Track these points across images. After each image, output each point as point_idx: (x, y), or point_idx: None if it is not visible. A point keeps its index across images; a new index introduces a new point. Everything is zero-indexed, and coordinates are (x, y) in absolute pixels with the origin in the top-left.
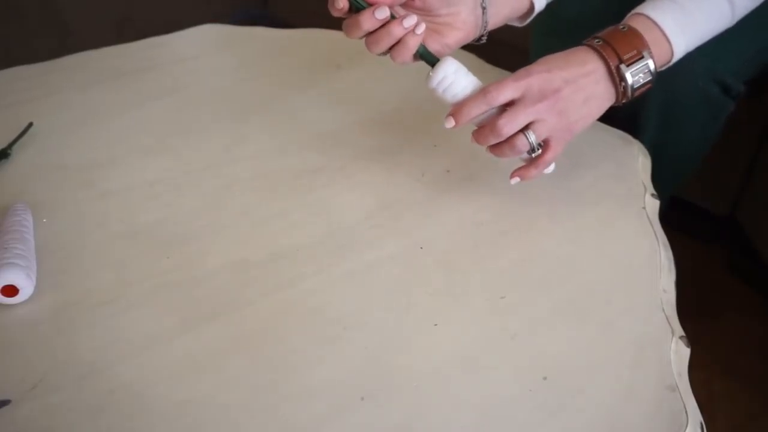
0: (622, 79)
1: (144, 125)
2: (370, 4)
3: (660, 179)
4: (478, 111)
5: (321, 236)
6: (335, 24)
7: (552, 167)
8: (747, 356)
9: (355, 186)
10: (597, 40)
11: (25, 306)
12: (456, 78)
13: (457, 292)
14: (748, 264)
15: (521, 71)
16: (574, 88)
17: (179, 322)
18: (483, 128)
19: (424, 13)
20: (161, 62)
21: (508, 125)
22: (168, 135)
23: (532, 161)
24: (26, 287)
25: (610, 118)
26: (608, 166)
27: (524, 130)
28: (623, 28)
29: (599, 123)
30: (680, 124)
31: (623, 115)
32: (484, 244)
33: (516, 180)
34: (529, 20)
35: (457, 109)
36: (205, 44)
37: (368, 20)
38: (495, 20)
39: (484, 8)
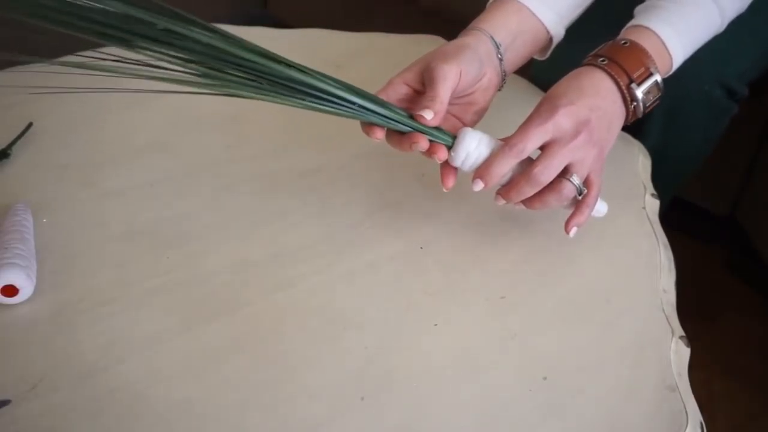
0: (633, 99)
1: (144, 125)
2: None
3: (661, 180)
4: (507, 167)
5: (321, 236)
6: (335, 24)
7: (605, 208)
8: (747, 356)
9: (355, 186)
10: (601, 59)
11: (25, 306)
12: (480, 151)
13: (457, 292)
14: (748, 264)
15: (543, 111)
16: (600, 114)
17: (179, 322)
18: (514, 182)
19: (459, 97)
20: None
21: (546, 172)
22: (168, 135)
23: (579, 205)
24: (26, 287)
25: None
26: (608, 166)
27: (564, 174)
28: (624, 42)
29: None
30: (683, 127)
31: None
32: (484, 244)
33: (574, 230)
34: (549, 52)
35: (484, 169)
36: None
37: (407, 148)
38: (516, 62)
39: (500, 59)
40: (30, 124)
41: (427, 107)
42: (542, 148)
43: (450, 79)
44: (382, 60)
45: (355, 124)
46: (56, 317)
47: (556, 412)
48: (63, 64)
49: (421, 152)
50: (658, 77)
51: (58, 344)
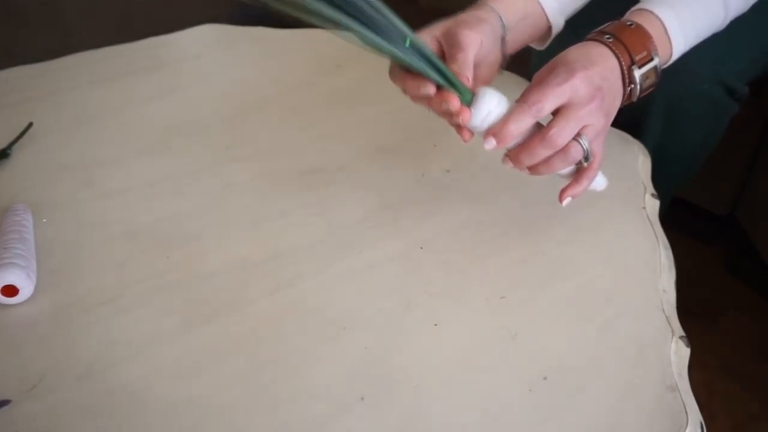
0: (632, 81)
1: (144, 125)
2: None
3: (662, 180)
4: (524, 126)
5: (321, 236)
6: None
7: (605, 182)
8: (747, 356)
9: (355, 186)
10: (607, 36)
11: (25, 306)
12: (501, 109)
13: (457, 292)
14: (747, 264)
15: (561, 73)
16: (608, 85)
17: (179, 322)
18: (528, 144)
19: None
20: (161, 62)
21: (563, 134)
22: (168, 135)
23: (578, 175)
24: (26, 287)
25: (613, 120)
26: (608, 165)
27: (575, 137)
28: (630, 24)
29: None
30: (684, 127)
31: (626, 118)
32: (484, 244)
33: (568, 200)
34: (548, 42)
35: (500, 127)
36: (205, 44)
37: (436, 106)
38: (515, 46)
39: (504, 40)
40: (30, 124)
41: (463, 70)
42: (555, 111)
43: (474, 46)
44: (382, 60)
45: (355, 126)
46: (56, 317)
47: (556, 411)
48: None
49: (440, 111)
50: (657, 62)
51: (58, 344)
